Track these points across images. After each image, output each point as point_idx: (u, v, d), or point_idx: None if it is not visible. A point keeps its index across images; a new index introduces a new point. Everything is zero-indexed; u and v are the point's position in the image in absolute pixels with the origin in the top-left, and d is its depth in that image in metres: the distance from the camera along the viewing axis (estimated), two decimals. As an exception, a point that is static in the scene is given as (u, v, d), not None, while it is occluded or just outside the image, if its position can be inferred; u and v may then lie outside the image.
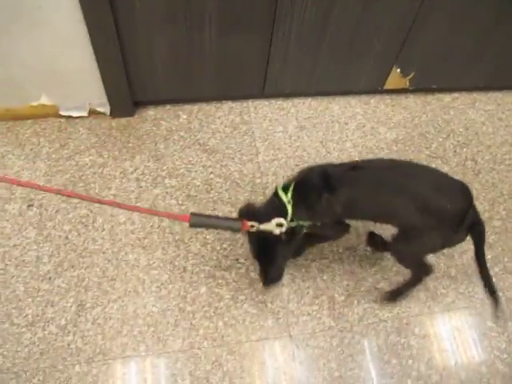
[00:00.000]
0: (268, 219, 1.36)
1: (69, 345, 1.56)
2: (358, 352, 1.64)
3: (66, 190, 1.82)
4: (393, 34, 2.01)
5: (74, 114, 2.07)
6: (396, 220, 1.45)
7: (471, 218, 1.37)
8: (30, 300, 1.63)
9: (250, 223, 1.35)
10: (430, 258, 1.65)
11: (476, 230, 1.40)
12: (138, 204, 1.87)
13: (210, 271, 1.74)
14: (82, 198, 1.66)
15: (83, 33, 1.71)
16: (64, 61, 1.82)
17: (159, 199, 1.89)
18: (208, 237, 1.81)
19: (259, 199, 1.91)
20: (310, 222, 1.45)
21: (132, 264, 1.73)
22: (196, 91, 2.15)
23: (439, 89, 2.42)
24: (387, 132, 2.25)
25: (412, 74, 2.24)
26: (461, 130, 2.31)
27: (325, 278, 1.78)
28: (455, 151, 2.22)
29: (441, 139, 2.25)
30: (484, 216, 1.86)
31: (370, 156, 2.13)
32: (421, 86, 2.36)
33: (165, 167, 1.99)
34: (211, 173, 2.00)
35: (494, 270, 1.85)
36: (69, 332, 1.58)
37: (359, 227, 1.88)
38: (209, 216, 1.39)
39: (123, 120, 2.11)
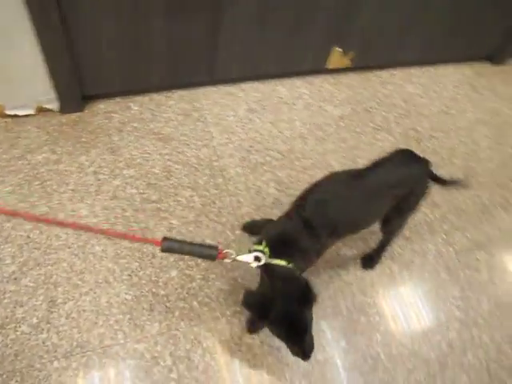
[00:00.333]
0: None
1: (44, 342, 1.54)
2: (329, 315, 1.73)
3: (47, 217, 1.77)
4: (332, 12, 2.11)
5: (20, 112, 2.02)
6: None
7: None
8: (-3, 303, 1.59)
9: (226, 251, 1.31)
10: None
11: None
12: (99, 197, 1.85)
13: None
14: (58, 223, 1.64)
15: (27, 27, 1.67)
16: (6, 56, 1.77)
17: (120, 190, 1.89)
18: (173, 221, 1.83)
19: (218, 181, 1.96)
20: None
21: (100, 256, 1.72)
22: (145, 81, 2.16)
23: (378, 66, 2.57)
24: (333, 109, 2.36)
25: (352, 53, 2.37)
26: (401, 103, 2.47)
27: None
28: (397, 122, 2.37)
29: (383, 113, 2.40)
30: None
31: (320, 133, 2.23)
32: (361, 65, 2.50)
33: (121, 158, 1.99)
34: (168, 160, 2.02)
35: (443, 228, 2.01)
36: (42, 330, 1.56)
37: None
38: (183, 241, 1.32)
39: (73, 115, 2.08)
